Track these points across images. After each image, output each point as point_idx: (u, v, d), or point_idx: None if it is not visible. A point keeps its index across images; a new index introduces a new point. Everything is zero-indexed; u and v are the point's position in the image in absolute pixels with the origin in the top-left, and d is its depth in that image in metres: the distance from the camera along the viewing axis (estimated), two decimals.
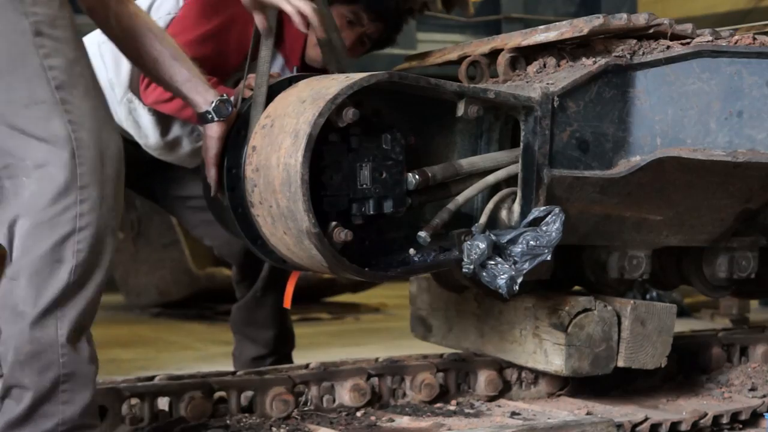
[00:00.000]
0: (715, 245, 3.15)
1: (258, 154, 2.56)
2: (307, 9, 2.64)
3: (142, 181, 3.49)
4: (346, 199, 2.55)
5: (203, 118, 2.66)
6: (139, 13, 2.69)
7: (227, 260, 3.71)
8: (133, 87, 3.20)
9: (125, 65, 3.19)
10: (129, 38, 2.67)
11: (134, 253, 6.99)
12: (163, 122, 3.22)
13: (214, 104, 2.65)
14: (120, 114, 3.22)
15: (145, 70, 2.73)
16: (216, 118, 2.64)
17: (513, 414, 2.92)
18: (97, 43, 3.13)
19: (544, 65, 2.78)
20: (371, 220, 2.60)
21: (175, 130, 3.24)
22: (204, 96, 2.66)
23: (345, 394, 2.95)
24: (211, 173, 2.69)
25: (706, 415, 2.92)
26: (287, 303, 2.99)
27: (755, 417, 3.02)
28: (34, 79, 2.24)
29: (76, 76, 2.29)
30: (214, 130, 2.66)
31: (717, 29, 2.85)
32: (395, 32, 3.32)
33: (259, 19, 2.69)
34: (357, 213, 2.55)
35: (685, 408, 3.00)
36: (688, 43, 2.76)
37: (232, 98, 2.75)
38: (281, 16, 3.13)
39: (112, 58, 3.18)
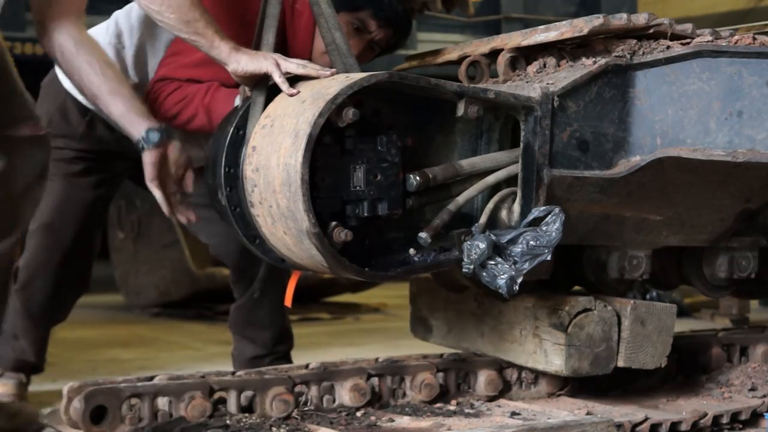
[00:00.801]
0: (715, 245, 3.15)
1: (258, 154, 2.56)
2: (294, 67, 2.66)
3: (142, 175, 3.50)
4: (339, 201, 2.55)
5: (137, 149, 2.82)
6: (82, 46, 2.81)
7: (223, 260, 3.71)
8: None
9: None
10: (70, 72, 2.82)
11: (134, 253, 6.99)
12: None
13: (143, 134, 2.80)
14: None
15: (88, 101, 2.89)
16: (146, 147, 2.80)
17: (513, 414, 2.92)
18: (104, 45, 3.15)
19: (544, 65, 2.78)
20: (371, 220, 2.60)
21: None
22: (137, 128, 2.81)
23: (345, 394, 2.95)
24: (156, 194, 2.82)
25: (706, 415, 2.92)
26: (288, 302, 2.99)
27: (755, 417, 3.02)
28: None
29: None
30: (147, 157, 2.82)
31: (717, 29, 2.85)
32: (404, 37, 3.30)
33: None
34: (351, 215, 2.56)
35: (685, 408, 3.00)
36: (688, 43, 2.76)
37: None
38: (283, 22, 3.13)
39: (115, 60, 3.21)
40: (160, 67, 3.20)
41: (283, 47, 3.12)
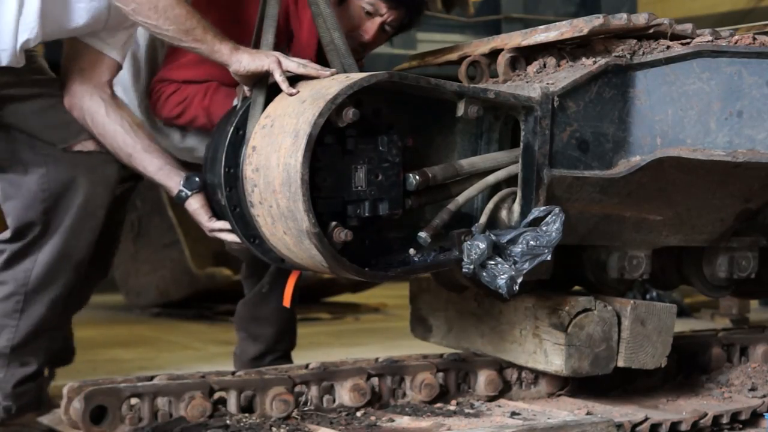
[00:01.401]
0: (715, 245, 3.15)
1: (258, 154, 2.56)
2: (294, 66, 2.67)
3: None
4: (341, 201, 2.55)
5: (179, 198, 2.86)
6: (111, 109, 2.89)
7: (237, 256, 3.72)
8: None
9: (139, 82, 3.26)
10: (103, 135, 2.89)
11: (134, 253, 6.99)
12: (180, 129, 3.24)
13: (182, 182, 2.84)
14: (140, 116, 3.25)
15: (121, 161, 2.93)
16: (189, 193, 2.84)
17: (513, 414, 2.92)
18: None
19: (544, 65, 2.78)
20: (371, 220, 2.60)
21: (190, 138, 3.26)
22: (175, 179, 2.87)
23: (345, 394, 2.95)
24: (217, 228, 2.82)
25: (706, 415, 2.92)
26: (287, 302, 2.99)
27: (755, 417, 3.02)
28: None
29: None
30: (193, 205, 2.85)
31: (717, 29, 2.85)
32: (416, 15, 3.25)
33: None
34: (352, 215, 2.56)
35: (685, 408, 3.00)
36: (688, 43, 2.76)
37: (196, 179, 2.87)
38: (287, 15, 3.13)
39: (129, 69, 3.23)
40: (161, 65, 3.21)
41: (289, 41, 3.13)
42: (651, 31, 2.77)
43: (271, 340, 3.57)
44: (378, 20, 3.17)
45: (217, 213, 2.83)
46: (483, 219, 2.65)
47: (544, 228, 2.58)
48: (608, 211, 2.84)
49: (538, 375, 3.14)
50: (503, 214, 2.67)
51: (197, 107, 3.09)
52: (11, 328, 2.91)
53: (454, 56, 3.05)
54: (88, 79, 2.90)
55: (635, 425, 2.81)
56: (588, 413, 2.91)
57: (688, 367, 3.35)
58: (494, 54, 2.89)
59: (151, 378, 2.84)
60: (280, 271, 3.41)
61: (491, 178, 2.68)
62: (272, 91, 2.67)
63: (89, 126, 2.90)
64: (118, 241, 3.58)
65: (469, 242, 2.58)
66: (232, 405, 2.84)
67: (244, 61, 2.67)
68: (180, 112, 3.11)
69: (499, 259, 2.56)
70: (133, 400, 2.76)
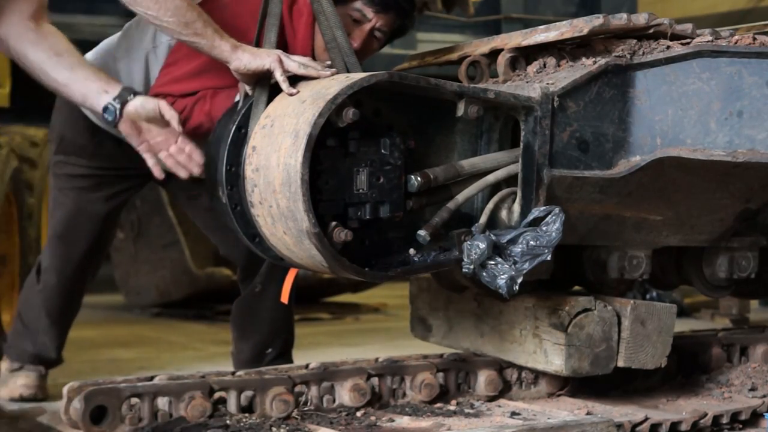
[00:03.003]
0: (715, 245, 3.15)
1: (258, 154, 2.56)
2: (295, 67, 2.66)
3: (169, 176, 3.52)
4: (342, 204, 2.55)
5: (110, 115, 2.76)
6: (35, 48, 2.74)
7: (232, 260, 3.73)
8: None
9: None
10: (33, 75, 2.76)
11: (134, 253, 6.99)
12: None
13: (104, 111, 2.76)
14: None
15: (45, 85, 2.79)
16: (113, 122, 2.79)
17: (513, 414, 2.92)
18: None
19: (544, 65, 2.78)
20: (371, 221, 2.60)
21: None
22: (103, 97, 2.77)
23: (345, 394, 2.95)
24: (148, 160, 2.82)
25: (706, 415, 2.92)
26: (284, 298, 2.99)
27: (755, 417, 3.02)
28: None
29: None
30: (122, 129, 2.79)
31: (717, 29, 2.85)
32: (408, 17, 3.21)
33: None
34: (353, 217, 2.56)
35: (685, 408, 3.00)
36: (688, 43, 2.76)
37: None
38: (282, 23, 3.14)
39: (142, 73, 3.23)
40: (156, 79, 3.21)
41: (284, 49, 3.12)
42: (651, 31, 2.77)
43: (267, 338, 3.58)
44: (367, 27, 3.14)
45: (217, 210, 2.83)
46: (483, 219, 2.65)
47: (544, 228, 2.58)
48: (608, 211, 2.84)
49: (538, 375, 3.14)
50: (503, 214, 2.67)
51: (199, 114, 3.08)
52: None
53: (454, 56, 3.05)
54: (9, 14, 2.74)
55: (635, 425, 2.81)
56: (588, 413, 2.91)
57: (688, 367, 3.35)
58: (494, 54, 2.89)
59: (151, 378, 2.84)
60: (272, 271, 3.42)
61: (491, 178, 2.68)
62: (274, 89, 2.67)
63: (21, 64, 2.77)
64: (105, 252, 3.63)
65: (469, 242, 2.58)
66: (232, 405, 2.84)
67: (244, 59, 2.67)
68: (182, 122, 3.11)
69: (499, 259, 2.56)
70: (133, 400, 2.76)
